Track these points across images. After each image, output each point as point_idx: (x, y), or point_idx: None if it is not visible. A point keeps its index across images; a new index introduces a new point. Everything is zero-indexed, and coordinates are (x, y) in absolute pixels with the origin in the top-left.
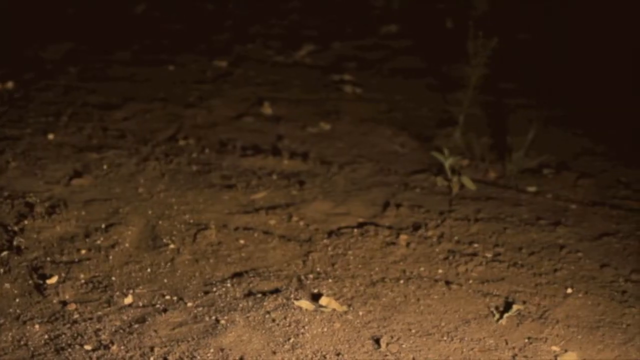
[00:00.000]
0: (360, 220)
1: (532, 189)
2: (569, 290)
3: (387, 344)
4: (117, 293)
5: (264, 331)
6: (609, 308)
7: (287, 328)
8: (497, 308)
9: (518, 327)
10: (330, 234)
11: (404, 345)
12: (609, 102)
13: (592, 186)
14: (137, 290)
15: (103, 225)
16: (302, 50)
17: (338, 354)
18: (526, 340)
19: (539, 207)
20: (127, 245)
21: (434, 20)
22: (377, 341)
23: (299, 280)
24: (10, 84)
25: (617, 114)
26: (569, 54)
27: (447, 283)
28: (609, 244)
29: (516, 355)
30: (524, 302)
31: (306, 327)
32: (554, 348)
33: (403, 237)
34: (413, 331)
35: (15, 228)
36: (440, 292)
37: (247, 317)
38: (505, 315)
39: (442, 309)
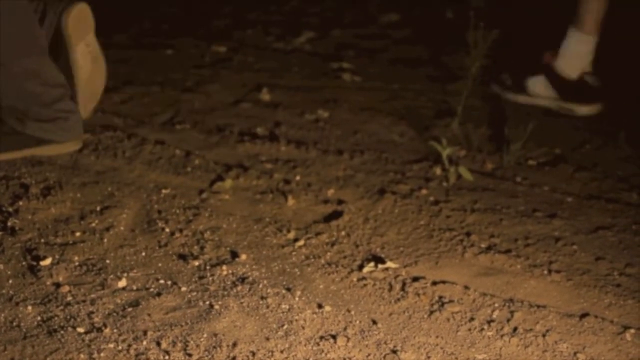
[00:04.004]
0: (354, 208)
1: (528, 181)
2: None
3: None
4: (111, 276)
5: (257, 317)
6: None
7: (281, 314)
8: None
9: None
10: (325, 219)
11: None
12: (608, 96)
13: (589, 179)
14: (131, 274)
15: (98, 208)
16: (302, 37)
17: (334, 337)
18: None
19: (535, 199)
20: (121, 228)
21: (435, 10)
22: (374, 322)
23: (293, 266)
24: None
25: (616, 107)
26: None
27: None
28: (604, 238)
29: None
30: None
31: (300, 314)
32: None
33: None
34: (407, 314)
35: (10, 209)
36: None
37: (241, 302)
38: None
39: None
